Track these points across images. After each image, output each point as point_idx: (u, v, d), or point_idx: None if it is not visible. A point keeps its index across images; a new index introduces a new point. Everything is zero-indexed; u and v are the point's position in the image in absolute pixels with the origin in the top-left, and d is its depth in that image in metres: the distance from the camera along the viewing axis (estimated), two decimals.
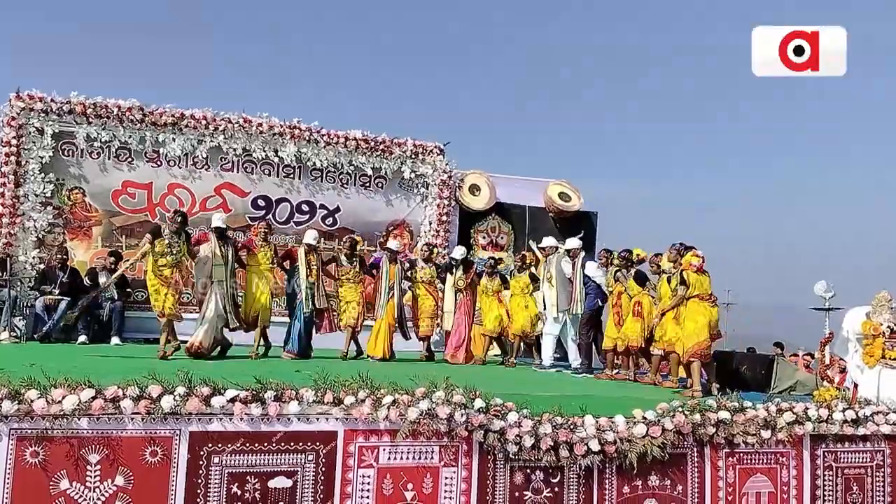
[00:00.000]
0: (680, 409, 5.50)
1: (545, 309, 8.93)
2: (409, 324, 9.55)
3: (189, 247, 7.96)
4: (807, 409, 5.93)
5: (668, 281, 7.46)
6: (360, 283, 9.15)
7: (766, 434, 5.67)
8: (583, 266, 8.62)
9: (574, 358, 8.67)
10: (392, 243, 9.82)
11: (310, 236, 8.92)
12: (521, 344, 9.83)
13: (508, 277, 10.11)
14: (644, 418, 5.39)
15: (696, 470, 5.56)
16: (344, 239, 9.99)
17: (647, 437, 5.29)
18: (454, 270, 9.74)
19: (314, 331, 8.85)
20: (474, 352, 9.78)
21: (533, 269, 9.90)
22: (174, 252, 7.76)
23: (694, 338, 6.98)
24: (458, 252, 9.89)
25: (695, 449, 5.58)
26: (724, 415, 5.59)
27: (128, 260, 8.74)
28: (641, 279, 8.19)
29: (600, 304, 8.51)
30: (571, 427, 5.15)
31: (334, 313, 9.02)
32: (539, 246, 9.57)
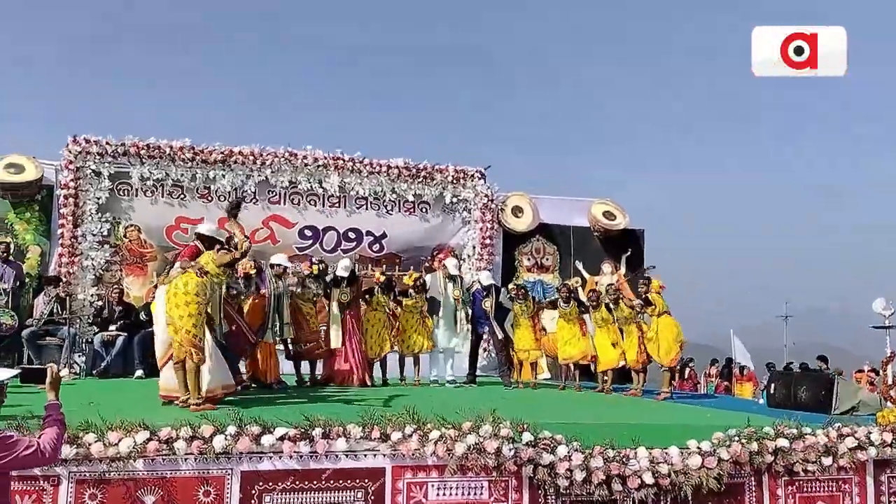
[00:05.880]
0: (736, 439, 5.35)
1: (456, 328, 9.57)
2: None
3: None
4: (869, 433, 5.71)
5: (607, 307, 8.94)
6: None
7: (826, 461, 5.48)
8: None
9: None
10: (279, 258, 8.75)
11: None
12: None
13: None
14: (699, 449, 5.25)
15: (754, 500, 5.40)
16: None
17: (702, 468, 5.15)
18: (340, 285, 8.98)
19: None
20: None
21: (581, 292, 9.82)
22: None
23: (673, 350, 8.36)
24: (343, 267, 9.11)
25: (752, 478, 5.42)
26: (782, 442, 5.42)
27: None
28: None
29: None
30: (624, 460, 5.05)
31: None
32: (448, 269, 9.87)
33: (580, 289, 11.83)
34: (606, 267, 12.79)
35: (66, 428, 3.67)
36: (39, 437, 3.33)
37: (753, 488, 5.40)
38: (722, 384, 16.44)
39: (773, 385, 8.81)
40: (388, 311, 9.49)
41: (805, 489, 5.51)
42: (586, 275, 12.68)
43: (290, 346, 8.85)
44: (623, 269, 12.86)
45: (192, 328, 5.90)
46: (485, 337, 9.98)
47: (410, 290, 9.57)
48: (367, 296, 9.37)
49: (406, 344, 9.44)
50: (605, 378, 9.20)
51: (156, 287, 9.44)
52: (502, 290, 9.94)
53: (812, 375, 9.52)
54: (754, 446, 5.34)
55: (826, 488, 5.57)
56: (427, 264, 12.05)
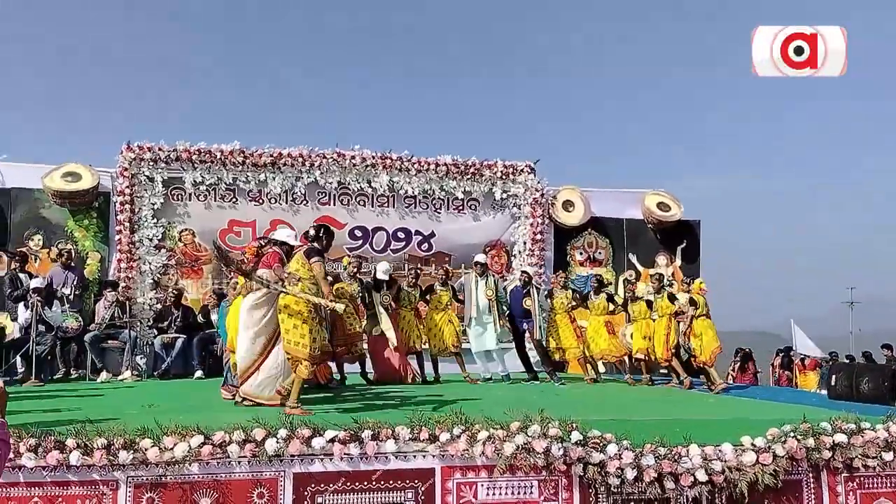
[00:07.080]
0: (792, 434, 5.20)
1: (496, 325, 9.36)
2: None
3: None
4: None
5: (648, 304, 9.30)
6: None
7: (888, 456, 5.29)
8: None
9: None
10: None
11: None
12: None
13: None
14: (753, 445, 5.13)
15: (812, 496, 5.23)
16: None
17: (757, 464, 5.03)
18: (381, 288, 9.05)
19: None
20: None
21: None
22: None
23: (712, 345, 8.73)
24: (382, 270, 9.13)
25: (810, 474, 5.25)
26: (840, 438, 5.25)
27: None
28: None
29: None
30: (676, 457, 4.95)
31: None
32: (478, 262, 9.67)
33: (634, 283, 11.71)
34: (661, 259, 12.64)
35: (11, 447, 3.61)
36: None
37: (812, 484, 5.24)
38: (784, 374, 16.04)
39: (833, 377, 8.57)
40: (413, 306, 9.40)
41: (866, 485, 5.32)
42: (640, 268, 12.55)
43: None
44: (679, 261, 12.69)
45: (300, 339, 5.90)
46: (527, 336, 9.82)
47: (436, 284, 9.60)
48: (397, 294, 9.33)
49: (432, 343, 9.34)
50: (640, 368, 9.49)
51: (216, 296, 9.70)
52: (541, 288, 9.94)
53: (874, 366, 9.22)
54: (811, 442, 5.18)
55: (889, 484, 5.37)
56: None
